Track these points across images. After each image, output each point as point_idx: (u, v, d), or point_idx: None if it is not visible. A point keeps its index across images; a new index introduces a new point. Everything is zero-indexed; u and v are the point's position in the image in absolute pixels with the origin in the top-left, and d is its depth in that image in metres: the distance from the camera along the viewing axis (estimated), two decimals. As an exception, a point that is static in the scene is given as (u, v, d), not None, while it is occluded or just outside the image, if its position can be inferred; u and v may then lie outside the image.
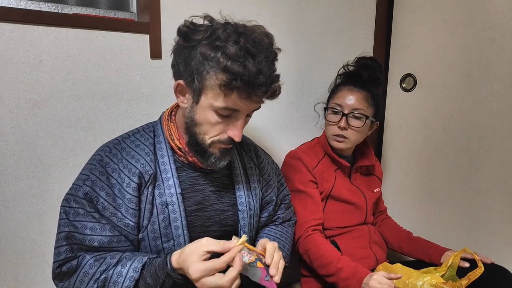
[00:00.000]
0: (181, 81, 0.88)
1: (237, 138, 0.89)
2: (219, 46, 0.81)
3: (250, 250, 0.82)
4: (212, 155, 0.91)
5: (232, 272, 0.76)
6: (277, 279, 0.81)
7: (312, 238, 1.19)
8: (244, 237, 0.79)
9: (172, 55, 0.91)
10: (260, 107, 0.91)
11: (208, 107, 0.86)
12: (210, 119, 0.87)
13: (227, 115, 0.87)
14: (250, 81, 0.80)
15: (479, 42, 1.46)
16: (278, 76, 0.87)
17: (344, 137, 1.27)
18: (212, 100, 0.85)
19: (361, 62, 1.35)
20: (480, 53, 1.47)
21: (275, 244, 0.86)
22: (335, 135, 1.28)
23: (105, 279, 0.82)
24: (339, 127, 1.26)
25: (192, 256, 0.76)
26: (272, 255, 0.83)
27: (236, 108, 0.86)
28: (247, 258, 0.80)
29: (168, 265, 0.80)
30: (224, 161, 0.94)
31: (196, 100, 0.87)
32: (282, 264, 0.84)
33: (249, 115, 0.93)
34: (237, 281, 0.77)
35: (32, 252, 1.08)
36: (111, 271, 0.83)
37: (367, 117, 1.27)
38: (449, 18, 1.52)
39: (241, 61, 0.80)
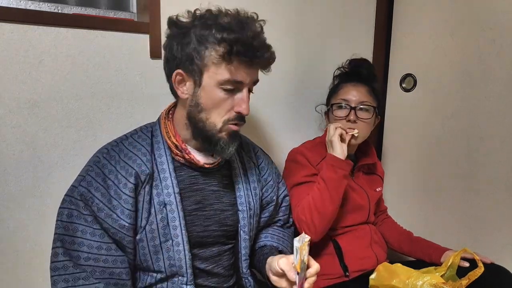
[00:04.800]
0: (179, 70, 0.90)
1: (246, 111, 0.90)
2: (211, 24, 0.86)
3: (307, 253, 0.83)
4: (220, 140, 0.92)
5: None
6: None
7: (303, 201, 1.20)
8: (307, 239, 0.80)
9: (165, 50, 0.94)
10: (258, 80, 0.94)
11: (213, 85, 0.88)
12: (216, 97, 0.89)
13: (231, 89, 0.89)
14: (249, 43, 0.85)
15: (479, 42, 1.46)
16: (270, 45, 0.91)
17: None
18: (215, 75, 0.87)
19: (354, 63, 1.38)
20: (480, 53, 1.47)
21: (319, 267, 0.85)
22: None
23: None
24: (348, 120, 1.26)
25: None
26: (314, 275, 0.84)
27: (239, 80, 0.88)
28: (306, 258, 0.81)
29: None
30: (232, 146, 0.94)
31: (199, 82, 0.89)
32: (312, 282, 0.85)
33: (251, 90, 0.94)
34: None
35: (32, 252, 1.08)
36: None
37: (374, 108, 1.28)
38: (449, 18, 1.52)
39: (236, 29, 0.84)
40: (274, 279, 0.88)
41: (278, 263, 0.85)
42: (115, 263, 0.87)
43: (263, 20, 0.92)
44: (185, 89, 0.92)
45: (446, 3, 1.52)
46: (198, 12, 0.91)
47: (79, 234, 0.85)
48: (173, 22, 0.91)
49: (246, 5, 1.34)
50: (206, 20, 0.87)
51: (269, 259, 0.93)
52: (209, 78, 0.88)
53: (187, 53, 0.88)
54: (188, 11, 0.92)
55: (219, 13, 0.89)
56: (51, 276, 0.85)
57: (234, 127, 0.92)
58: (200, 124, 0.91)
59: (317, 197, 1.16)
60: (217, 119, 0.90)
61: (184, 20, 0.91)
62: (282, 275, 0.85)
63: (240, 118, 0.92)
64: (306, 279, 0.82)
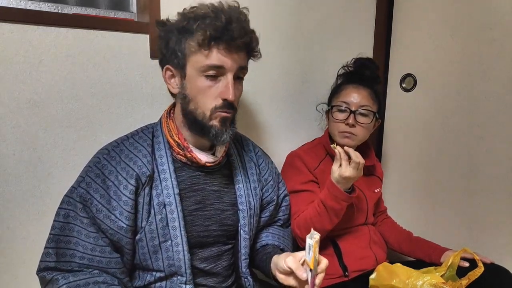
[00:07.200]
0: (168, 66, 0.93)
1: (231, 96, 0.89)
2: (190, 16, 0.88)
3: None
4: (212, 128, 0.91)
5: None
6: None
7: (300, 215, 1.19)
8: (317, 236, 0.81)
9: (157, 51, 0.97)
10: (246, 68, 0.94)
11: (195, 74, 0.89)
12: (200, 85, 0.89)
13: (214, 76, 0.89)
14: (224, 28, 0.85)
15: (479, 42, 1.47)
16: (252, 30, 0.91)
17: (352, 134, 1.27)
18: (196, 63, 0.88)
19: (359, 62, 1.36)
20: (480, 53, 1.47)
21: (328, 262, 0.85)
22: (343, 132, 1.27)
23: None
24: (347, 124, 1.25)
25: None
26: (324, 270, 0.84)
27: (220, 64, 0.88)
28: (317, 255, 0.81)
29: None
30: (226, 134, 0.92)
31: (183, 74, 0.91)
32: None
33: (239, 78, 0.94)
34: None
35: (32, 252, 1.08)
36: None
37: (374, 113, 1.27)
38: (449, 18, 1.52)
39: (212, 16, 0.86)
40: (281, 277, 0.88)
41: (286, 261, 0.85)
42: (108, 264, 0.87)
43: (246, 8, 0.92)
44: (175, 84, 0.94)
45: (446, 3, 1.52)
46: (185, 11, 0.93)
47: (75, 234, 0.86)
48: (158, 23, 0.95)
49: (247, 5, 1.34)
50: (186, 14, 0.90)
51: (275, 258, 0.92)
52: (191, 67, 0.90)
53: (171, 48, 0.91)
54: (178, 13, 0.94)
55: (199, 6, 0.90)
56: (39, 274, 0.86)
57: (223, 114, 0.91)
58: (191, 116, 0.92)
59: (316, 220, 1.15)
60: (204, 107, 0.91)
61: (170, 18, 0.94)
62: (290, 273, 0.85)
63: (228, 106, 0.91)
64: (317, 275, 0.83)
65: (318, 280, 0.82)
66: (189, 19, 0.88)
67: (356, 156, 1.10)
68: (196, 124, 0.92)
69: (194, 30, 0.86)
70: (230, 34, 0.86)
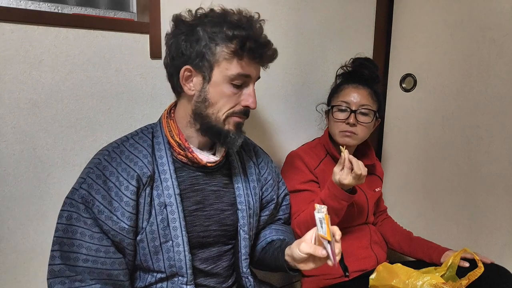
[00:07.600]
0: (188, 66, 0.90)
1: (254, 104, 0.93)
2: (221, 21, 0.88)
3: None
4: (229, 132, 0.93)
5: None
6: (338, 258, 0.82)
7: (301, 215, 1.19)
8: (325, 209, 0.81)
9: (169, 48, 0.94)
10: (260, 76, 0.97)
11: (222, 80, 0.90)
12: (226, 92, 0.90)
13: (240, 84, 0.91)
14: (258, 40, 0.88)
15: (479, 42, 1.46)
16: (271, 42, 0.95)
17: (353, 133, 1.27)
18: (226, 70, 0.89)
19: (358, 62, 1.37)
20: (480, 53, 1.47)
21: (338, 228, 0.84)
22: (344, 131, 1.27)
23: None
24: (348, 123, 1.26)
25: None
26: (340, 237, 0.83)
27: (249, 73, 0.91)
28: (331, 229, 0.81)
29: None
30: (240, 138, 0.96)
31: (208, 78, 0.90)
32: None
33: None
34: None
35: (32, 252, 1.08)
36: None
37: (374, 112, 1.27)
38: (449, 18, 1.52)
39: (246, 27, 0.87)
40: (301, 265, 0.88)
41: (301, 249, 0.84)
42: (113, 265, 0.87)
43: (263, 20, 0.94)
44: (192, 86, 0.92)
45: (446, 3, 1.52)
46: (200, 11, 0.93)
47: (78, 236, 0.85)
48: (180, 20, 0.92)
49: (247, 5, 1.33)
50: (214, 18, 0.89)
51: (287, 251, 0.92)
52: (219, 73, 0.89)
53: (198, 50, 0.89)
54: (189, 11, 0.93)
55: (224, 11, 0.91)
56: (48, 279, 0.86)
57: (237, 119, 0.94)
58: (207, 119, 0.92)
59: None
60: (222, 113, 0.92)
61: (189, 15, 0.93)
62: (307, 259, 0.85)
63: (245, 113, 0.95)
64: (335, 245, 0.82)
65: (337, 250, 0.82)
66: (222, 24, 0.88)
67: (358, 168, 1.08)
68: (212, 130, 0.93)
69: (230, 37, 0.87)
70: (262, 46, 0.89)
